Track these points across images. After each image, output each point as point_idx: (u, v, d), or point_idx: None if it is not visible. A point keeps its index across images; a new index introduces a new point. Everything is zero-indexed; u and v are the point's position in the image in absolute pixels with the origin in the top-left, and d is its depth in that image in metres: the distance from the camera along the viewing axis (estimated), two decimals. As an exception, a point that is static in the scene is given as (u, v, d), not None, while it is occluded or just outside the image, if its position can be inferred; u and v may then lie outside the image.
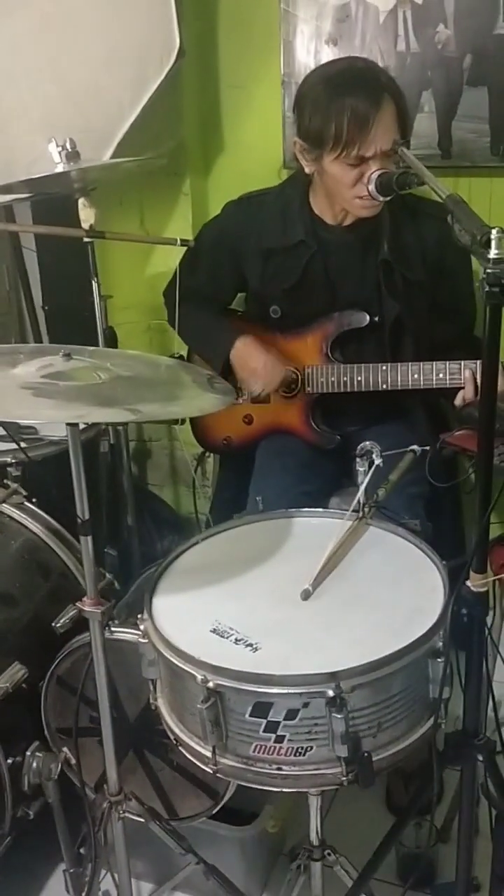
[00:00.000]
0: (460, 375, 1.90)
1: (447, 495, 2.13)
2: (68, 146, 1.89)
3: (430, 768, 1.84)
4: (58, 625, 1.74)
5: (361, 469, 1.51)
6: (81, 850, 1.72)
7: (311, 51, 2.30)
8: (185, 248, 2.14)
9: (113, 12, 2.03)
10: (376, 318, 2.02)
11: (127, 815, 1.54)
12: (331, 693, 1.15)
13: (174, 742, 1.33)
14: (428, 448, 1.67)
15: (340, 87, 1.79)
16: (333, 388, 2.05)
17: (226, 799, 1.58)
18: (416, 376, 1.96)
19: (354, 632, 1.26)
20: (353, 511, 1.52)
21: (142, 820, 1.57)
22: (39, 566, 1.83)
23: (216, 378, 1.41)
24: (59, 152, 1.89)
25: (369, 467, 1.50)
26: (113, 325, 2.36)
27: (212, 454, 2.52)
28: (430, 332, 2.06)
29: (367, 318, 2.01)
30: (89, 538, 1.36)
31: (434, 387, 1.94)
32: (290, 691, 1.17)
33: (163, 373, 1.37)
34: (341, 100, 1.76)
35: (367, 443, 1.51)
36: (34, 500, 1.94)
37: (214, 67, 2.41)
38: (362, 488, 1.50)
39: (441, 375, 1.93)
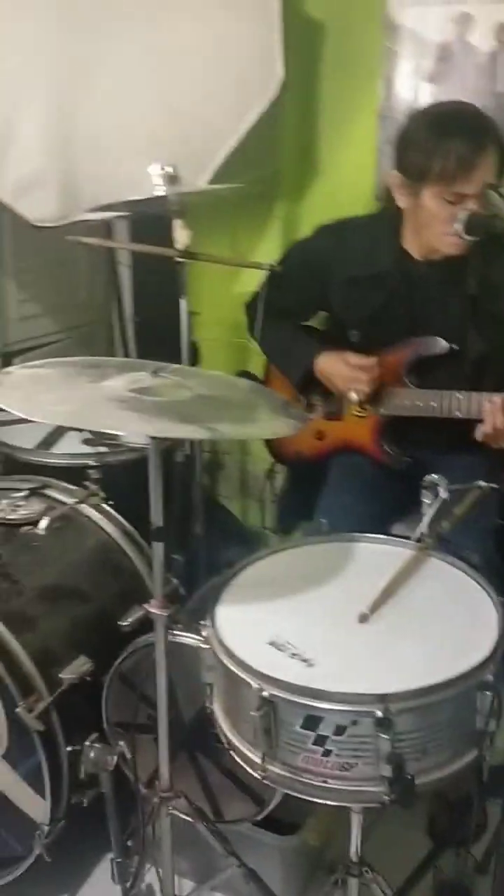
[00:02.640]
0: None
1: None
2: (169, 170, 1.99)
3: (473, 799, 1.88)
4: (124, 624, 1.83)
5: (427, 500, 1.55)
6: (128, 842, 1.79)
7: (410, 87, 2.36)
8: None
9: (219, 43, 2.13)
10: (455, 346, 2.05)
11: (175, 812, 1.60)
12: (379, 714, 1.20)
13: (226, 745, 1.39)
14: (496, 486, 1.71)
15: (448, 128, 1.85)
16: (407, 411, 2.08)
17: (272, 806, 1.64)
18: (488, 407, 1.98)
19: (406, 658, 1.31)
20: (416, 540, 1.56)
21: (188, 819, 1.64)
22: (111, 566, 1.92)
23: (291, 403, 1.48)
24: (161, 175, 1.99)
25: (434, 499, 1.54)
26: (196, 340, 2.46)
27: (280, 470, 2.59)
28: None
29: (447, 345, 2.05)
30: (161, 544, 1.43)
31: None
32: (339, 708, 1.22)
33: (241, 394, 1.44)
34: (448, 139, 1.82)
35: (434, 476, 1.55)
36: (110, 502, 2.03)
37: (315, 97, 2.49)
38: (426, 519, 1.54)
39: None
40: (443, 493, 1.54)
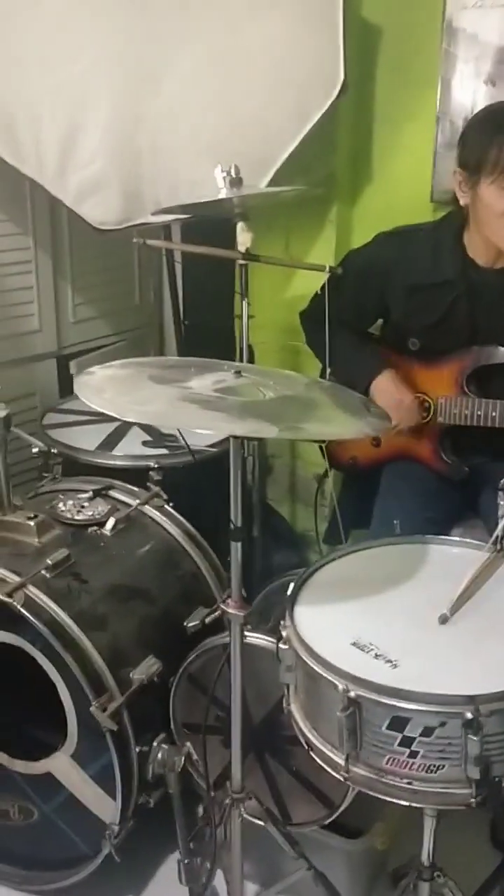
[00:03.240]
0: None
1: None
2: (233, 173, 2.00)
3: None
4: (189, 625, 1.84)
5: (502, 503, 1.55)
6: (191, 844, 1.79)
7: (468, 89, 2.35)
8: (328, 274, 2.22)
9: (282, 46, 2.13)
10: None
11: (246, 815, 1.60)
12: (469, 715, 1.19)
13: (306, 747, 1.39)
14: None
15: (502, 121, 1.87)
16: (466, 420, 2.08)
17: (342, 808, 1.63)
18: (549, 415, 1.98)
19: (491, 659, 1.30)
20: (492, 544, 1.55)
21: (258, 821, 1.63)
22: (175, 567, 1.93)
23: (372, 403, 1.48)
24: (224, 178, 2.00)
25: (510, 503, 1.53)
26: (252, 344, 2.46)
27: (331, 474, 2.59)
28: None
29: None
30: (238, 544, 1.44)
31: None
32: (429, 709, 1.21)
33: (321, 394, 1.44)
34: (502, 131, 1.84)
35: (511, 477, 1.54)
36: (171, 503, 2.04)
37: (371, 101, 2.48)
38: (503, 522, 1.53)
39: None
40: (518, 497, 1.53)
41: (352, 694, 1.24)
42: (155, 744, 1.71)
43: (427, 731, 1.22)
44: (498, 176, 1.84)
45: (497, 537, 1.55)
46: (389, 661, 1.30)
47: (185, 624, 1.81)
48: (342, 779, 1.31)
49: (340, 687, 1.25)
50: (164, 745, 1.71)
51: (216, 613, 1.49)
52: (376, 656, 1.31)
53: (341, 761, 1.30)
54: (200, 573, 1.95)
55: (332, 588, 1.48)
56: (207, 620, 1.54)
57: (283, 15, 2.10)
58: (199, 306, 2.93)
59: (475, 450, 2.17)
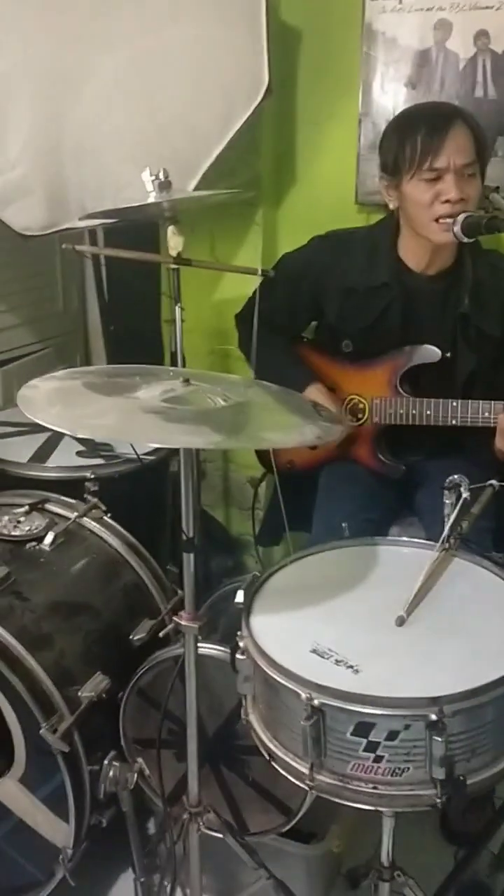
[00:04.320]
0: None
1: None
2: (162, 176, 1.97)
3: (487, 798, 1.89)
4: (135, 638, 1.81)
5: (448, 501, 1.56)
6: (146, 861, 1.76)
7: (389, 92, 2.38)
8: (257, 276, 2.21)
9: (205, 49, 2.11)
10: (448, 354, 2.07)
11: (204, 829, 1.58)
12: (433, 717, 1.20)
13: (267, 757, 1.37)
14: (505, 483, 1.73)
15: (415, 119, 1.93)
16: (401, 420, 2.10)
17: (300, 815, 1.62)
18: (486, 414, 2.00)
19: (451, 659, 1.31)
20: (441, 543, 1.57)
21: (216, 834, 1.61)
22: (117, 579, 1.89)
23: (319, 406, 1.47)
24: (153, 182, 1.96)
25: (457, 500, 1.55)
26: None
27: (265, 478, 2.58)
28: (497, 381, 2.11)
29: (439, 353, 2.07)
30: (192, 555, 1.41)
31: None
32: (393, 713, 1.21)
33: (269, 398, 1.43)
34: (416, 122, 1.90)
35: (456, 476, 1.56)
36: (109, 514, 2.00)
37: (293, 103, 2.49)
38: (450, 521, 1.54)
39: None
40: (465, 493, 1.54)
41: (315, 702, 1.23)
42: (106, 762, 1.67)
43: (392, 735, 1.22)
44: (416, 170, 1.88)
45: (445, 536, 1.57)
46: (350, 667, 1.29)
47: (130, 637, 1.79)
48: (307, 788, 1.30)
49: (303, 695, 1.24)
50: (115, 763, 1.68)
51: (169, 626, 1.46)
52: (337, 662, 1.30)
53: (305, 770, 1.29)
54: (143, 584, 1.91)
55: (286, 595, 1.46)
56: (161, 634, 1.51)
57: (205, 18, 2.08)
58: (121, 311, 2.89)
59: (410, 448, 2.19)
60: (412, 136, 1.88)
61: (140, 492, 2.16)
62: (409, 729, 1.22)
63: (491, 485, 1.70)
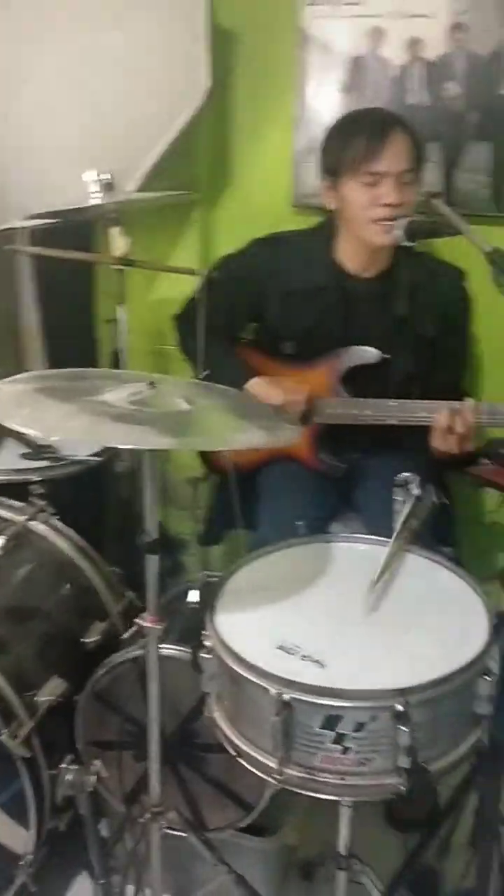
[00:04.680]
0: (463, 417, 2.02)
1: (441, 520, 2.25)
2: (106, 178, 1.97)
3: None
4: (87, 640, 1.81)
5: (399, 498, 1.61)
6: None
7: (324, 96, 2.41)
8: (195, 277, 2.23)
9: (147, 52, 2.12)
10: (386, 355, 2.13)
11: (167, 828, 1.59)
12: (399, 707, 1.24)
13: (234, 754, 1.39)
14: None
15: (356, 123, 1.99)
16: (341, 419, 2.14)
17: (259, 809, 1.65)
18: (423, 414, 2.05)
19: (413, 651, 1.36)
20: (395, 537, 1.61)
21: (177, 832, 1.63)
22: (68, 582, 1.88)
23: (280, 409, 1.50)
24: (97, 183, 1.96)
25: (407, 497, 1.60)
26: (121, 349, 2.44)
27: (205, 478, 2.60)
28: (433, 381, 2.18)
29: (378, 354, 2.12)
30: (155, 556, 1.42)
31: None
32: (361, 705, 1.25)
33: (231, 401, 1.45)
34: (357, 127, 1.96)
35: (407, 474, 1.61)
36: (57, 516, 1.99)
37: (229, 106, 2.49)
38: (402, 517, 1.59)
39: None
40: (415, 490, 1.59)
41: (285, 697, 1.26)
42: (63, 766, 1.66)
43: (359, 727, 1.26)
44: (355, 172, 1.94)
45: (398, 532, 1.61)
46: (317, 662, 1.33)
47: (83, 640, 1.79)
48: (275, 782, 1.33)
49: (273, 691, 1.27)
50: (72, 767, 1.66)
51: (101, 628, 1.47)
52: (303, 658, 1.33)
53: (274, 764, 1.31)
54: (93, 587, 1.91)
55: (247, 594, 1.49)
56: (94, 637, 1.51)
57: (147, 21, 2.08)
58: (53, 312, 2.85)
59: (350, 447, 2.24)
60: (353, 140, 1.94)
61: (85, 494, 2.15)
62: (376, 720, 1.26)
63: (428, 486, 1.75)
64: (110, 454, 2.21)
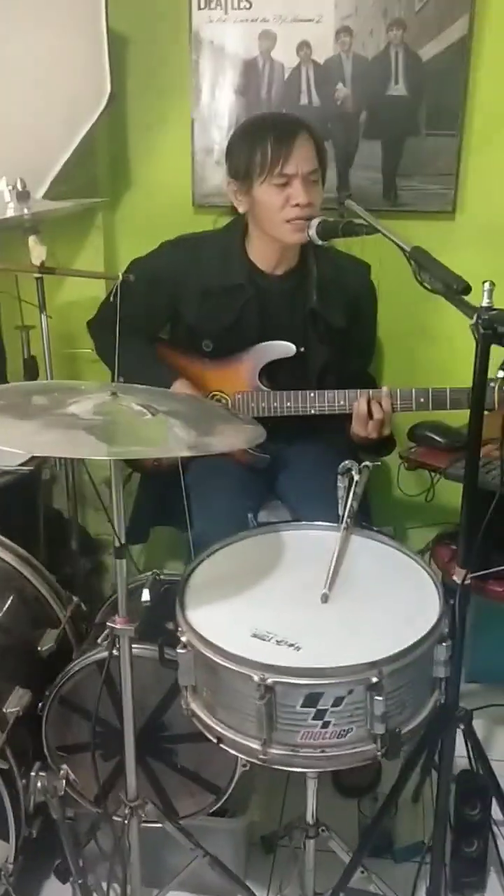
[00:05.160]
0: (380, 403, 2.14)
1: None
2: (20, 186, 1.97)
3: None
4: (43, 648, 1.82)
5: (342, 485, 1.70)
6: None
7: (219, 98, 2.48)
8: (102, 281, 2.27)
9: (49, 58, 2.13)
10: (302, 349, 2.23)
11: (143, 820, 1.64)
12: (374, 679, 1.34)
13: (215, 741, 1.45)
14: (378, 463, 1.91)
15: (262, 128, 2.07)
16: (263, 412, 2.22)
17: (229, 793, 1.72)
18: (341, 402, 2.16)
19: (377, 626, 1.46)
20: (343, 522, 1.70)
21: (153, 824, 1.68)
22: (17, 593, 1.88)
23: (232, 409, 1.56)
24: (11, 192, 1.96)
25: (350, 483, 1.70)
26: (34, 356, 2.44)
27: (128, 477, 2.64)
28: (345, 370, 2.29)
29: (293, 348, 2.22)
30: (124, 561, 1.47)
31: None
32: (339, 681, 1.34)
33: (191, 408, 1.50)
34: (265, 131, 2.04)
35: (347, 462, 1.70)
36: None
37: (125, 109, 2.52)
38: (347, 502, 1.69)
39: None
40: (356, 476, 1.69)
41: (269, 681, 1.34)
42: (33, 774, 1.68)
43: (337, 701, 1.35)
44: (267, 175, 2.02)
45: (344, 516, 1.71)
46: (291, 645, 1.41)
47: (39, 648, 1.81)
48: (259, 762, 1.41)
49: (256, 677, 1.34)
50: (41, 773, 1.69)
51: (53, 635, 1.50)
52: (278, 643, 1.41)
53: (258, 746, 1.39)
54: (41, 595, 1.92)
55: (212, 588, 1.55)
56: (49, 646, 1.55)
57: (47, 27, 2.09)
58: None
59: (272, 438, 2.31)
60: (262, 144, 2.02)
61: (15, 503, 2.15)
62: (353, 693, 1.35)
63: (366, 465, 1.87)
64: (37, 462, 2.21)
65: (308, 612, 1.49)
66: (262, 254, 2.19)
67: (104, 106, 2.22)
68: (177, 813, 1.77)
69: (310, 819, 1.74)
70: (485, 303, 1.40)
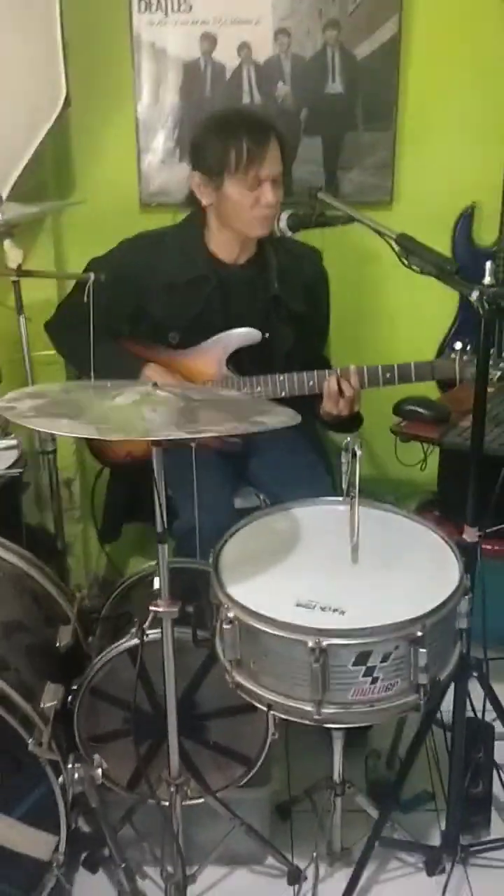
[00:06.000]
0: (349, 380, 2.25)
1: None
2: (-3, 192, 1.98)
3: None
4: (61, 644, 1.85)
5: (345, 461, 1.81)
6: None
7: (163, 99, 2.53)
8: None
9: (7, 62, 2.14)
10: (266, 335, 2.32)
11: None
12: (419, 633, 1.46)
13: (266, 709, 1.53)
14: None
15: (236, 125, 2.12)
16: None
17: (260, 762, 1.80)
18: (311, 383, 2.26)
19: (408, 585, 1.57)
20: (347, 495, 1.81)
21: (200, 799, 1.75)
22: (28, 592, 1.90)
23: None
24: (-14, 197, 1.97)
25: (353, 457, 1.80)
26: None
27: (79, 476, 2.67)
28: (308, 353, 2.39)
29: (259, 334, 2.30)
30: (165, 545, 1.52)
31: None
32: (387, 637, 1.45)
33: (223, 394, 1.56)
34: (238, 132, 2.09)
35: (349, 439, 1.80)
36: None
37: (70, 111, 2.53)
38: (352, 476, 1.79)
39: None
40: (358, 451, 1.79)
41: (323, 644, 1.43)
42: (69, 766, 1.71)
43: (385, 657, 1.46)
44: (241, 174, 2.09)
45: (348, 488, 1.81)
46: (335, 610, 1.50)
47: (57, 644, 1.84)
48: (313, 723, 1.50)
49: (311, 642, 1.43)
50: (77, 765, 1.72)
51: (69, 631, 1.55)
52: (322, 609, 1.51)
53: (311, 708, 1.48)
54: (49, 593, 1.94)
55: (246, 565, 1.62)
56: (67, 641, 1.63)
57: (4, 32, 2.09)
58: None
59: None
60: (236, 143, 2.07)
61: (5, 505, 2.16)
62: (399, 648, 1.46)
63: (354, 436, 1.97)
64: (23, 464, 2.21)
65: (340, 579, 1.59)
66: (223, 245, 2.26)
67: (60, 109, 2.24)
68: (209, 787, 1.83)
69: (336, 777, 1.84)
70: (487, 280, 1.54)
